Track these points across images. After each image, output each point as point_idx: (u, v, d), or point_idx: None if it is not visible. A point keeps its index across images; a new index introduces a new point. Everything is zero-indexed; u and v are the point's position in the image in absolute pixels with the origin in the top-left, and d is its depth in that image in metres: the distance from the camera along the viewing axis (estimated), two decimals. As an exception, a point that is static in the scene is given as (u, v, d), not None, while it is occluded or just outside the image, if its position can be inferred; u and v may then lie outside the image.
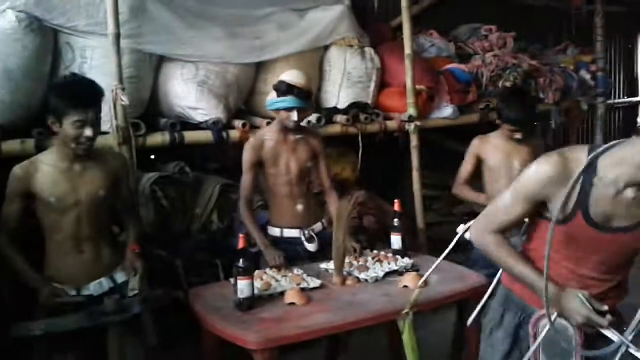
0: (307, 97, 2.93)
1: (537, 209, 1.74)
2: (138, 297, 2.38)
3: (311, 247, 3.00)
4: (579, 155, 1.65)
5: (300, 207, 3.03)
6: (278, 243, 2.98)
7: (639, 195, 1.60)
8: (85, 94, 2.33)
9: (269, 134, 3.04)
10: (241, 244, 2.37)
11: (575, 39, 6.05)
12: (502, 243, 1.79)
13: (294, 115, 2.88)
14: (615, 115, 7.29)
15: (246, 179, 3.00)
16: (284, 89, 2.87)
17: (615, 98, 7.09)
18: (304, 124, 3.77)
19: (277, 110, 2.92)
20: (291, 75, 2.94)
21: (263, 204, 3.49)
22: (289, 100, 2.85)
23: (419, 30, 4.95)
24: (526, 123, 3.20)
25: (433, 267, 2.49)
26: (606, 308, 1.65)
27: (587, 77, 5.55)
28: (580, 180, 1.62)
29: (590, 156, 1.62)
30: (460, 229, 2.29)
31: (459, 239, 2.31)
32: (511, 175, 3.20)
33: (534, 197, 1.71)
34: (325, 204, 3.33)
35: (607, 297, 1.73)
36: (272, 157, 2.98)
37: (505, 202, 1.78)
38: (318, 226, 3.10)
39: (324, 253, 2.98)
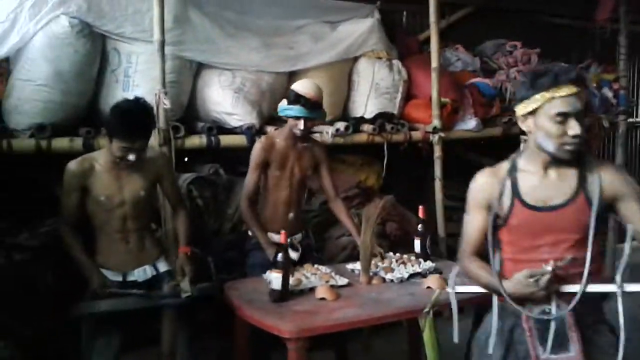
0: (315, 107, 2.93)
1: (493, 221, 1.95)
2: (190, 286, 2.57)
3: (294, 255, 3.02)
4: (502, 164, 1.98)
5: (291, 215, 3.08)
6: (261, 247, 2.99)
7: (561, 172, 1.86)
8: (136, 128, 2.48)
9: (279, 137, 3.07)
10: (282, 239, 2.53)
11: (599, 57, 6.13)
12: (472, 260, 2.01)
13: (301, 124, 2.91)
14: (636, 134, 7.33)
15: (251, 177, 3.03)
16: (292, 98, 2.91)
17: (636, 116, 7.14)
18: (331, 131, 3.96)
19: (286, 117, 2.98)
20: (301, 85, 2.97)
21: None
22: (295, 109, 2.89)
23: (446, 44, 5.08)
24: None
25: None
26: (548, 268, 1.80)
27: (609, 94, 5.62)
28: (509, 178, 1.92)
29: (510, 157, 1.97)
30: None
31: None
32: None
33: (480, 204, 1.97)
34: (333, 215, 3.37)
35: (576, 277, 1.83)
36: (279, 160, 3.03)
37: (466, 224, 2.04)
38: (299, 236, 3.15)
39: (302, 262, 3.01)
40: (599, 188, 1.82)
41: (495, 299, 2.00)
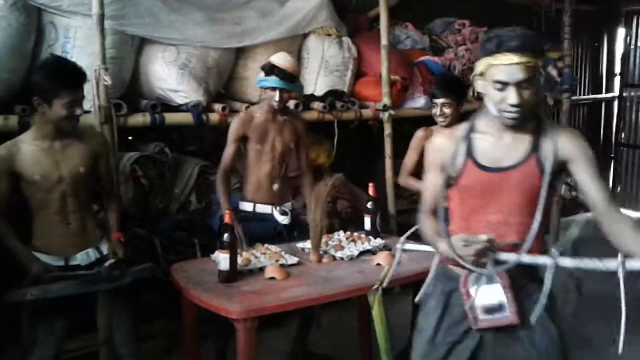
0: (291, 79, 3.00)
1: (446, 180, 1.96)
2: (123, 268, 2.48)
3: (284, 219, 3.10)
4: (461, 125, 1.98)
5: (275, 186, 3.14)
6: (249, 218, 3.06)
7: (517, 136, 1.86)
8: (75, 75, 2.41)
9: (259, 112, 3.12)
10: (226, 219, 2.47)
11: (544, 35, 6.24)
12: (426, 219, 1.99)
13: (276, 95, 2.97)
14: (580, 111, 7.54)
15: (229, 150, 3.07)
16: (267, 69, 2.99)
17: (580, 94, 7.35)
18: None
19: (262, 88, 3.04)
20: (277, 57, 3.05)
21: (239, 186, 3.58)
22: (270, 80, 2.96)
23: (395, 22, 5.06)
24: (443, 96, 3.24)
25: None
26: (483, 237, 1.79)
27: (554, 73, 5.71)
28: (465, 139, 1.91)
29: (470, 118, 1.95)
30: None
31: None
32: None
33: (436, 164, 1.96)
34: (298, 187, 3.44)
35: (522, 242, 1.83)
36: (258, 134, 3.06)
37: (425, 184, 2.04)
38: (288, 205, 3.21)
39: (293, 229, 3.10)
40: (552, 153, 1.81)
41: (436, 259, 2.02)
